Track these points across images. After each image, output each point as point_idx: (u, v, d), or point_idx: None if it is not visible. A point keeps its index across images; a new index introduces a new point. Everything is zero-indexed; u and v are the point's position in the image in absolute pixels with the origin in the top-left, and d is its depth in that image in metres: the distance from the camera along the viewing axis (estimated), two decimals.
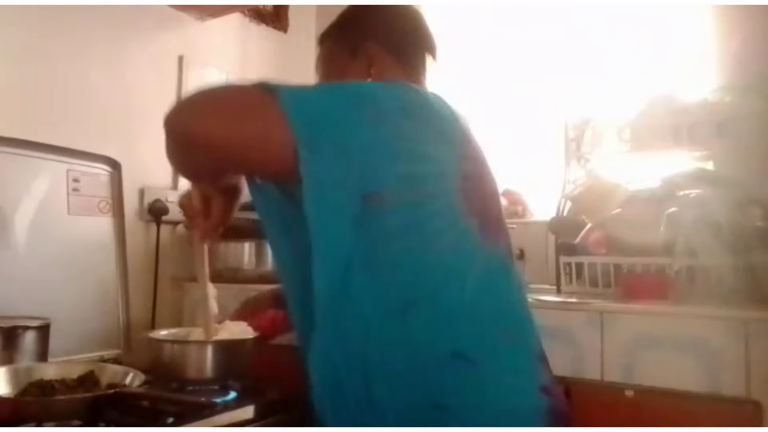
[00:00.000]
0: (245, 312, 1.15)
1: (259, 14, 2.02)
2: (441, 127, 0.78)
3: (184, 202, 0.93)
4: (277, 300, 1.15)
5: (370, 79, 0.94)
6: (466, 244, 0.75)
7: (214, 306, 1.05)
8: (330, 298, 0.72)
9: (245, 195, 0.91)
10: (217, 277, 1.71)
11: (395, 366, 0.71)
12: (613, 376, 1.11)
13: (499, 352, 0.74)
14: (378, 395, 0.70)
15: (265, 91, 0.71)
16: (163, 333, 1.22)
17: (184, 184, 1.70)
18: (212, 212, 0.89)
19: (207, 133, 0.70)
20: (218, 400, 1.02)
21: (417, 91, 0.81)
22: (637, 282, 1.28)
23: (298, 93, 0.72)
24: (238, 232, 1.64)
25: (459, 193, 0.75)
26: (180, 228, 1.71)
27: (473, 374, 0.71)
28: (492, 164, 0.92)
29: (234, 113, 0.71)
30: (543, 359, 0.81)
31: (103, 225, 1.48)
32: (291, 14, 2.13)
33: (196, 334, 1.14)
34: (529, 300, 1.25)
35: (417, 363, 0.70)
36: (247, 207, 1.85)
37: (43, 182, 1.36)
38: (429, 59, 1.02)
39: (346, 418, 0.73)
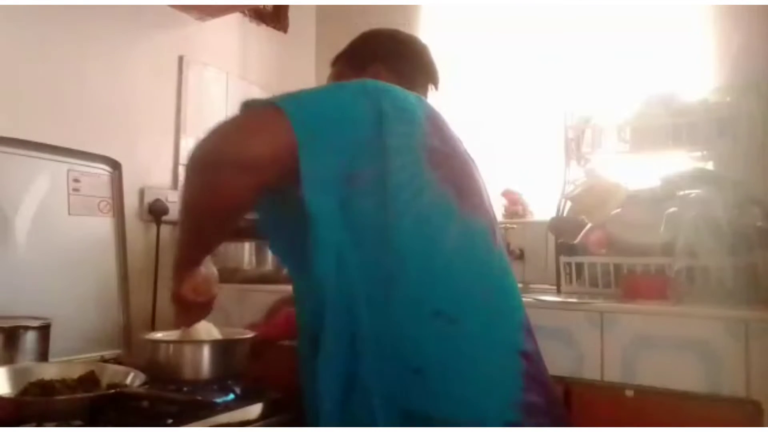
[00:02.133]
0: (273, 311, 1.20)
1: (259, 14, 2.02)
2: (405, 108, 0.82)
3: (177, 299, 1.01)
4: None
5: None
6: (442, 207, 0.79)
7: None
8: (327, 284, 0.76)
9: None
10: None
11: (381, 335, 0.73)
12: (613, 376, 1.11)
13: (478, 311, 0.77)
14: (365, 370, 0.73)
15: (272, 106, 0.77)
16: (162, 334, 1.22)
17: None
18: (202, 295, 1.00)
19: (238, 150, 0.75)
20: (218, 400, 1.02)
21: (385, 85, 0.85)
22: (637, 282, 1.28)
23: (298, 100, 0.79)
24: (238, 232, 1.65)
25: (427, 163, 0.80)
26: None
27: (452, 332, 0.74)
28: (478, 162, 0.94)
29: (252, 131, 0.77)
30: (528, 330, 0.83)
31: (103, 225, 1.48)
32: (291, 14, 2.13)
33: (195, 333, 1.15)
34: (529, 299, 1.26)
35: (400, 327, 0.74)
36: None
37: (43, 182, 1.36)
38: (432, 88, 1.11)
39: (333, 408, 0.75)
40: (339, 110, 0.79)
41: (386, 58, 1.05)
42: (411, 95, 0.87)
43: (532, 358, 0.80)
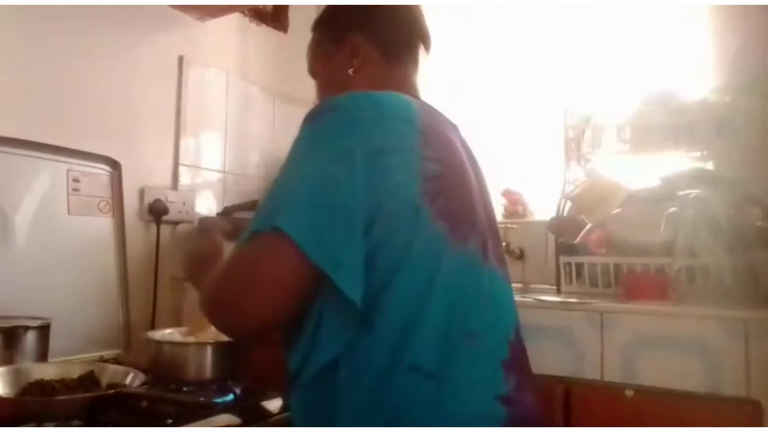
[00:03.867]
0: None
1: (259, 14, 2.02)
2: (397, 134, 0.76)
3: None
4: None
5: (351, 70, 0.93)
6: (434, 250, 0.74)
7: None
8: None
9: None
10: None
11: (357, 387, 0.71)
12: (613, 376, 1.11)
13: (455, 361, 0.72)
14: (340, 421, 0.70)
15: (272, 235, 0.69)
16: (162, 333, 1.22)
17: (185, 185, 1.71)
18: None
19: (252, 322, 0.71)
20: (218, 400, 1.02)
21: (368, 105, 0.77)
22: (637, 282, 1.28)
23: (296, 215, 0.70)
24: (237, 232, 1.64)
25: (424, 198, 0.74)
26: (180, 228, 1.71)
27: (426, 388, 0.70)
28: (474, 160, 0.91)
29: (262, 285, 0.70)
30: (510, 365, 0.77)
31: (103, 225, 1.48)
32: (291, 14, 2.13)
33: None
34: (529, 299, 1.26)
35: (376, 380, 0.70)
36: (247, 206, 1.86)
37: (43, 182, 1.36)
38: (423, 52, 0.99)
39: None
40: (341, 200, 0.70)
41: (364, 24, 0.94)
42: (402, 108, 0.79)
43: (513, 399, 0.75)
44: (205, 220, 1.19)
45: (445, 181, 0.78)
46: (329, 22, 0.99)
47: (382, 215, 0.71)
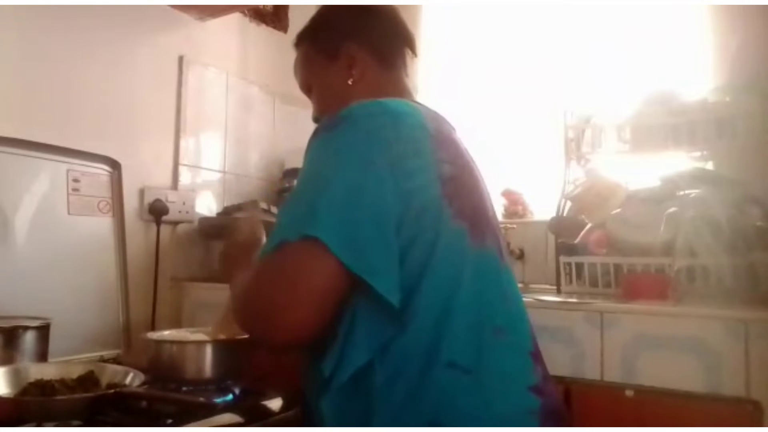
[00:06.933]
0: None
1: (259, 14, 2.02)
2: (413, 139, 0.77)
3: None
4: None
5: (350, 80, 0.94)
6: (457, 250, 0.75)
7: None
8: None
9: None
10: (217, 277, 1.72)
11: (395, 387, 0.71)
12: (613, 376, 1.11)
13: (489, 355, 0.74)
14: (377, 422, 0.70)
15: (304, 243, 0.69)
16: (162, 333, 1.22)
17: (185, 185, 1.71)
18: None
19: (295, 332, 0.70)
20: (218, 400, 1.02)
21: (383, 113, 0.78)
22: (637, 282, 1.28)
23: (333, 224, 0.69)
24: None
25: (444, 199, 0.76)
26: (180, 228, 1.71)
27: (465, 383, 0.71)
28: (479, 163, 0.92)
29: (303, 293, 0.69)
30: (535, 356, 0.80)
31: (103, 225, 1.48)
32: (291, 14, 2.13)
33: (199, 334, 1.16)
34: (529, 299, 1.26)
35: (414, 378, 0.71)
36: (247, 207, 1.85)
37: (43, 182, 1.36)
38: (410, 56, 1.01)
39: None
40: (372, 206, 0.71)
41: (358, 34, 0.95)
42: (413, 114, 0.80)
43: (543, 389, 0.77)
44: (242, 219, 1.19)
45: (460, 182, 0.80)
46: (320, 34, 1.00)
47: (408, 218, 0.72)
